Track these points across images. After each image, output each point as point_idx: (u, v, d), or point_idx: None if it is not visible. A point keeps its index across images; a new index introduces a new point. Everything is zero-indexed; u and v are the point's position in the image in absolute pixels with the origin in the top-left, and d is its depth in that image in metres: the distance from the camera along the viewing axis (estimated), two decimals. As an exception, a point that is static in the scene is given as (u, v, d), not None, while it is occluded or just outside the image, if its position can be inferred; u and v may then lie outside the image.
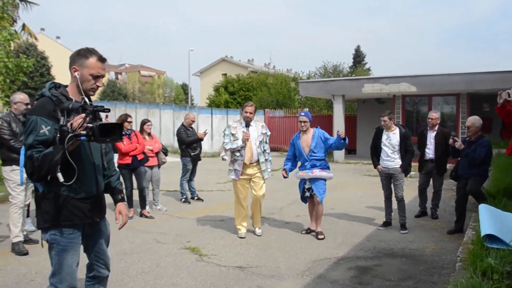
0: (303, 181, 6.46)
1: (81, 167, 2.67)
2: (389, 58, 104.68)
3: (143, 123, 8.10)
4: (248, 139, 6.14)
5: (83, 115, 2.49)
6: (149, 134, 8.08)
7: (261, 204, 6.53)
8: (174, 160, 13.44)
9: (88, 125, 2.48)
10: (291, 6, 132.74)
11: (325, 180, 6.36)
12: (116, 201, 3.08)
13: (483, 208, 5.39)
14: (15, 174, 5.58)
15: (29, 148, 2.55)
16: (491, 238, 4.63)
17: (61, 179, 2.49)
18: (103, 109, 2.73)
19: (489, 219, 5.02)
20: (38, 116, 2.59)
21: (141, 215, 7.52)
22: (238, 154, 6.20)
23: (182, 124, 9.14)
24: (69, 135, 2.43)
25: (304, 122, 6.31)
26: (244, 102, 6.83)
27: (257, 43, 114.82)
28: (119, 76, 68.87)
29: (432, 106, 17.39)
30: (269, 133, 6.54)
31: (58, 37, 58.70)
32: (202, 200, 9.17)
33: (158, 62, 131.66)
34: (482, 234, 4.66)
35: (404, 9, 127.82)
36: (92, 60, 2.72)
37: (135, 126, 8.41)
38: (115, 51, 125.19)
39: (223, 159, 6.37)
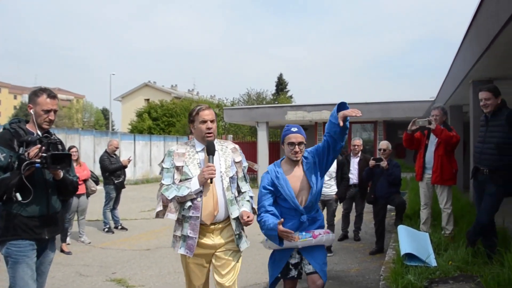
0: (287, 252, 3.43)
1: (33, 189, 3.00)
2: (310, 86, 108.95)
3: (68, 149, 7.74)
4: (213, 177, 3.08)
5: (39, 146, 2.96)
6: (76, 161, 7.74)
7: None
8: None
9: (43, 154, 2.95)
10: (215, 33, 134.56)
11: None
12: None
13: (402, 229, 5.77)
14: None
15: None
16: (409, 256, 4.97)
17: (19, 198, 2.92)
18: (56, 145, 3.24)
19: (407, 239, 5.39)
20: None
21: (61, 250, 7.01)
22: (189, 205, 3.12)
23: (105, 151, 8.88)
24: (26, 162, 2.88)
25: (299, 144, 3.34)
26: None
27: (181, 69, 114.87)
28: (33, 99, 65.44)
29: (352, 133, 18.31)
30: (245, 163, 3.46)
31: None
32: (126, 229, 8.89)
33: (77, 86, 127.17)
34: (402, 253, 4.99)
35: (323, 40, 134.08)
36: (42, 98, 3.15)
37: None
38: (30, 72, 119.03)
39: (157, 216, 3.19)
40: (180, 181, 3.15)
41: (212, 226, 3.16)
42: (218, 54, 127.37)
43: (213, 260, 3.21)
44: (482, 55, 5.97)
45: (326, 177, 6.67)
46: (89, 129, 25.21)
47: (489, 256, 4.70)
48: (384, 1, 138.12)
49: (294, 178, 3.37)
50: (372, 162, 6.63)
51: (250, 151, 21.58)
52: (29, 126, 3.20)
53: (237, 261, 3.25)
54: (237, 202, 3.26)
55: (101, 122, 61.63)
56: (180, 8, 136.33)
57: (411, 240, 5.36)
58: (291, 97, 43.47)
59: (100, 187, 8.29)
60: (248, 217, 3.11)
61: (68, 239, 7.31)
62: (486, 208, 4.81)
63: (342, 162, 6.99)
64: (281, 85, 46.48)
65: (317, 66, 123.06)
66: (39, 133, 3.16)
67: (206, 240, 3.15)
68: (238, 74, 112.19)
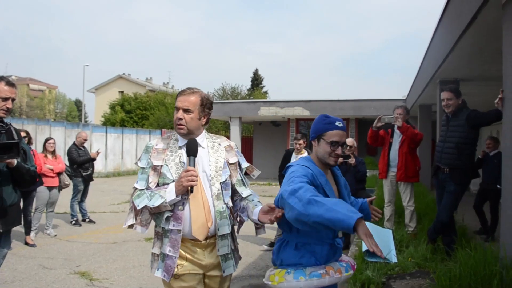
0: None
1: None
2: (285, 82, 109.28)
3: (45, 141, 7.64)
4: (193, 185, 2.34)
5: None
6: (52, 153, 7.61)
7: None
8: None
9: None
10: (192, 26, 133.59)
11: None
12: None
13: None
14: None
15: None
16: (371, 253, 5.05)
17: None
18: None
19: (369, 235, 5.50)
20: None
21: (25, 242, 6.93)
22: (167, 216, 2.43)
23: (74, 143, 8.76)
24: None
25: (343, 145, 2.44)
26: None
27: (157, 61, 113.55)
28: (3, 89, 63.86)
29: (323, 129, 18.56)
30: (245, 163, 2.74)
31: None
32: (94, 222, 8.80)
33: (50, 76, 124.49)
34: (363, 249, 5.08)
35: (299, 36, 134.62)
36: (0, 85, 3.01)
37: (39, 146, 7.86)
38: (0, 61, 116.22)
39: (130, 227, 2.52)
40: (157, 185, 2.46)
41: (204, 242, 2.46)
42: (194, 47, 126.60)
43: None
44: (447, 56, 6.12)
45: None
46: (60, 121, 24.76)
47: (448, 253, 4.85)
48: None
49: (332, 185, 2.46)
50: (340, 159, 6.71)
51: (223, 146, 21.62)
52: None
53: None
54: (227, 212, 2.51)
55: (74, 113, 60.58)
56: (157, 1, 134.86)
57: (373, 237, 5.47)
58: (266, 92, 43.59)
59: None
60: (271, 208, 2.30)
61: (33, 233, 7.17)
62: (446, 205, 4.96)
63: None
64: (256, 80, 46.53)
65: (293, 63, 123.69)
66: None
67: (196, 258, 2.44)
68: (214, 68, 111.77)
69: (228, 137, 20.52)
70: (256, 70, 47.30)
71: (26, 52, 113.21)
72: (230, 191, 2.57)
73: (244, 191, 2.61)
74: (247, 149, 21.02)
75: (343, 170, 6.73)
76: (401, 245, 5.51)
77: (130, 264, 5.95)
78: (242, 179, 2.66)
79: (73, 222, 8.57)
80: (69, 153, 8.63)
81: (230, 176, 2.58)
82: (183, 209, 2.41)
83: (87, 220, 8.84)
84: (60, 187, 7.71)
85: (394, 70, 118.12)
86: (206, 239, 2.46)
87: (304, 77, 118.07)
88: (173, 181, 2.41)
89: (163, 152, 2.51)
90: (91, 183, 9.02)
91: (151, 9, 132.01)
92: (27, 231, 7.01)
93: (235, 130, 18.76)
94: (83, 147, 8.81)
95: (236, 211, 2.60)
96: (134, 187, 2.48)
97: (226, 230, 2.48)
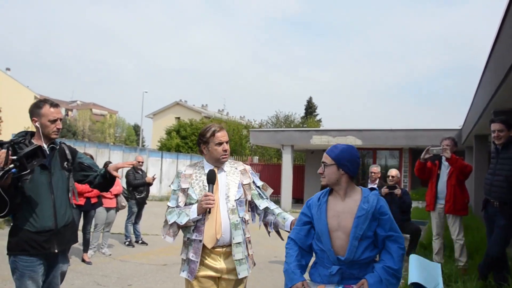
0: None
1: (38, 203, 3.02)
2: (338, 110, 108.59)
3: (104, 165, 8.12)
4: (211, 207, 2.93)
5: (4, 150, 2.72)
6: None
7: None
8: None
9: (13, 157, 2.72)
10: (246, 53, 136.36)
11: None
12: (105, 166, 3.56)
13: (413, 258, 5.77)
14: None
15: None
16: (417, 286, 4.99)
17: None
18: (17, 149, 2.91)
19: (416, 268, 5.40)
20: None
21: (82, 259, 7.33)
22: (193, 228, 3.04)
23: (133, 166, 9.20)
24: (1, 173, 2.66)
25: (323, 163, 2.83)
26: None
27: (212, 88, 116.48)
28: (69, 112, 67.62)
29: (377, 159, 18.27)
30: (259, 182, 3.31)
31: (8, 69, 57.33)
32: (147, 244, 9.12)
33: (111, 101, 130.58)
34: (409, 282, 5.02)
35: (351, 63, 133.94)
36: (45, 108, 3.14)
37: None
38: (67, 87, 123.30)
39: (163, 236, 3.22)
40: (185, 204, 3.06)
41: (219, 249, 2.98)
42: (248, 74, 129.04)
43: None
44: (500, 86, 6.02)
45: None
46: (119, 145, 25.86)
47: (499, 290, 4.70)
48: (413, 27, 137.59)
49: (337, 214, 2.66)
50: (385, 190, 6.69)
51: (274, 174, 21.73)
52: (35, 140, 3.12)
53: None
54: (242, 225, 3.05)
55: (132, 138, 62.97)
56: (211, 29, 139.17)
57: (421, 270, 5.37)
58: (320, 121, 43.50)
59: (126, 202, 8.60)
60: None
61: (91, 251, 7.58)
62: (496, 240, 4.83)
63: None
64: (310, 108, 46.63)
65: (345, 90, 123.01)
66: (45, 145, 3.11)
67: (212, 263, 2.98)
68: (268, 95, 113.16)
69: (280, 165, 20.74)
70: (310, 98, 47.48)
71: (90, 78, 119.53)
72: (244, 207, 3.13)
73: (261, 204, 3.22)
74: (299, 177, 21.04)
75: (388, 200, 6.69)
76: (449, 279, 5.38)
77: (179, 285, 6.14)
78: (258, 193, 3.25)
79: (127, 243, 8.93)
80: (127, 175, 9.09)
81: (245, 195, 3.14)
82: (203, 223, 2.98)
83: (140, 241, 9.19)
84: (117, 209, 8.13)
85: (450, 98, 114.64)
86: (222, 247, 3.00)
87: (357, 105, 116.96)
88: (197, 201, 3.01)
89: (189, 177, 3.12)
90: (146, 206, 9.40)
91: (206, 37, 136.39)
92: (85, 249, 7.41)
93: (287, 158, 18.87)
94: (141, 170, 9.22)
95: (264, 221, 3.28)
96: (168, 205, 3.13)
97: (240, 239, 3.02)
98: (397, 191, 6.54)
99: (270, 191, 3.37)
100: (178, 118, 45.11)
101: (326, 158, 2.77)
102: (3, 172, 2.66)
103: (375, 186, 7.74)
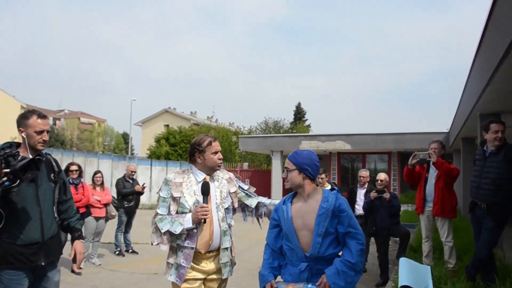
0: None
1: (24, 215, 2.98)
2: (328, 115, 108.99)
3: (94, 174, 8.13)
4: (206, 218, 3.11)
5: None
6: (101, 185, 8.06)
7: None
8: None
9: (5, 170, 2.74)
10: (235, 61, 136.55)
11: None
12: (73, 239, 3.44)
13: (403, 261, 5.80)
14: None
15: None
16: (407, 289, 5.01)
17: None
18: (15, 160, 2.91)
19: (406, 271, 5.41)
20: None
21: (72, 270, 7.24)
22: (185, 236, 3.17)
23: (124, 175, 9.23)
24: None
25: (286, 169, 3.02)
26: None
27: (201, 95, 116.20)
28: (57, 122, 67.09)
29: (366, 163, 18.38)
30: (245, 186, 3.55)
31: (-6, 81, 56.90)
32: (137, 253, 9.07)
33: (99, 110, 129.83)
34: (399, 285, 5.05)
35: (340, 69, 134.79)
36: (33, 119, 3.11)
37: (88, 178, 8.34)
38: (55, 96, 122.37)
39: (155, 243, 3.22)
40: (177, 212, 3.17)
41: (208, 254, 3.19)
42: (237, 81, 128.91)
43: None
44: (485, 89, 6.09)
45: None
46: (108, 153, 25.71)
47: (487, 291, 4.74)
48: (402, 31, 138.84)
49: (298, 213, 2.89)
50: (374, 194, 6.72)
51: (264, 179, 21.74)
52: (20, 151, 3.08)
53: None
54: (229, 230, 3.30)
55: (121, 146, 62.62)
56: (200, 37, 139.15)
57: (411, 273, 5.40)
58: (309, 126, 43.65)
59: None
60: None
61: (82, 263, 7.49)
62: (484, 242, 4.88)
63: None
64: (299, 114, 46.75)
65: (335, 95, 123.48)
66: (30, 156, 3.02)
67: (201, 266, 3.17)
68: (257, 101, 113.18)
69: (269, 171, 20.76)
70: (299, 103, 47.59)
71: (78, 87, 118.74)
72: (231, 214, 3.37)
73: (252, 202, 3.46)
74: (288, 182, 21.10)
75: (377, 204, 6.74)
76: (439, 281, 5.42)
77: (169, 294, 6.12)
78: (245, 194, 3.47)
79: (117, 252, 8.87)
80: (116, 184, 9.08)
81: (232, 203, 3.36)
82: (197, 231, 3.13)
83: (130, 251, 9.13)
84: (107, 218, 8.08)
85: (437, 102, 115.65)
86: (211, 252, 3.20)
87: (346, 110, 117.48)
88: (190, 210, 3.15)
89: (180, 185, 3.22)
90: (136, 214, 9.35)
91: (195, 45, 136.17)
92: (74, 260, 7.32)
93: (277, 164, 18.93)
94: (132, 179, 9.18)
95: (256, 215, 3.51)
96: (156, 212, 3.20)
97: (228, 244, 3.26)
98: (386, 195, 6.58)
99: (253, 189, 3.60)
100: (167, 125, 45.00)
101: (288, 164, 2.95)
102: None
103: (365, 190, 7.80)
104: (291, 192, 3.02)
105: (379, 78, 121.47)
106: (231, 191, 3.38)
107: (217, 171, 3.37)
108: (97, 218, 7.79)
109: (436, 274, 5.66)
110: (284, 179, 2.94)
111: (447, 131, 15.50)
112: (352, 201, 7.98)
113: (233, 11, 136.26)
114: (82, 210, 7.31)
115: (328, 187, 7.03)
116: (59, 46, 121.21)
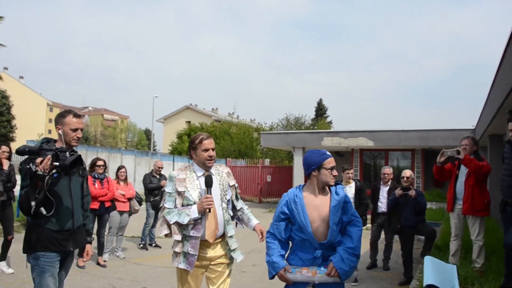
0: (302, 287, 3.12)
1: (59, 205, 3.26)
2: (349, 111, 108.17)
3: (118, 169, 8.24)
4: (211, 208, 3.40)
5: (49, 156, 3.05)
6: (124, 180, 8.16)
7: None
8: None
9: (56, 163, 3.09)
10: (256, 57, 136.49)
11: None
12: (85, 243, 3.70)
13: (428, 260, 5.70)
14: None
15: (21, 188, 3.18)
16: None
17: (44, 212, 3.11)
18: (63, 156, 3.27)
19: (432, 270, 5.33)
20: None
21: (97, 262, 7.39)
22: (191, 226, 3.46)
23: (151, 171, 9.38)
24: (47, 177, 3.03)
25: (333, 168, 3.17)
26: None
27: (222, 92, 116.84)
28: (81, 119, 68.03)
29: (389, 160, 18.13)
30: (236, 184, 3.85)
31: (21, 77, 58.07)
32: (160, 247, 9.15)
33: (122, 107, 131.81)
34: (424, 284, 4.96)
35: (362, 65, 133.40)
36: (69, 118, 3.43)
37: (111, 173, 8.46)
38: (79, 93, 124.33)
39: (166, 236, 3.57)
40: (182, 205, 3.49)
41: (213, 242, 3.55)
42: (258, 78, 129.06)
43: (207, 273, 3.60)
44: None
45: None
46: (131, 149, 26.04)
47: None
48: (424, 27, 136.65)
49: (313, 206, 3.12)
50: (399, 192, 6.60)
51: (286, 176, 21.69)
52: (57, 145, 3.42)
53: (229, 273, 3.67)
54: (233, 220, 3.78)
55: (143, 142, 63.33)
56: (221, 34, 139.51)
57: (436, 272, 5.30)
58: (330, 122, 43.30)
59: (143, 206, 8.67)
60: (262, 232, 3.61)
61: (106, 255, 7.64)
62: None
63: (360, 187, 7.02)
64: (320, 110, 46.48)
65: (357, 92, 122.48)
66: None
67: (204, 253, 3.51)
68: (278, 98, 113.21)
69: (291, 167, 20.67)
70: (320, 100, 47.28)
71: (101, 84, 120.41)
72: (231, 205, 3.73)
73: (238, 204, 3.79)
74: (310, 179, 20.98)
75: (402, 202, 6.63)
76: (466, 281, 5.31)
77: (192, 288, 6.15)
78: (236, 194, 3.79)
79: (141, 245, 8.97)
80: (143, 179, 9.22)
81: (230, 198, 3.69)
82: (202, 222, 3.45)
83: (154, 244, 9.22)
84: (130, 212, 8.18)
85: (462, 99, 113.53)
86: (216, 239, 3.53)
87: (368, 106, 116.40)
88: (195, 202, 3.46)
89: (184, 181, 3.53)
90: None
91: (216, 42, 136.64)
92: (100, 252, 7.47)
93: (298, 160, 18.80)
94: (159, 174, 9.28)
95: (233, 218, 3.80)
96: (164, 206, 3.51)
97: (232, 232, 3.63)
98: (411, 192, 6.47)
99: (238, 191, 3.93)
100: (189, 122, 45.27)
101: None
102: (48, 176, 3.02)
103: (388, 187, 7.69)
104: (297, 186, 3.29)
105: (401, 74, 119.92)
106: (231, 184, 3.74)
107: (217, 166, 3.70)
108: (121, 212, 7.89)
109: (462, 273, 5.54)
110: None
111: (473, 127, 15.17)
112: (375, 198, 7.89)
113: (254, 8, 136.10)
114: (107, 204, 7.42)
115: (352, 183, 6.98)
116: (83, 45, 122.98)
